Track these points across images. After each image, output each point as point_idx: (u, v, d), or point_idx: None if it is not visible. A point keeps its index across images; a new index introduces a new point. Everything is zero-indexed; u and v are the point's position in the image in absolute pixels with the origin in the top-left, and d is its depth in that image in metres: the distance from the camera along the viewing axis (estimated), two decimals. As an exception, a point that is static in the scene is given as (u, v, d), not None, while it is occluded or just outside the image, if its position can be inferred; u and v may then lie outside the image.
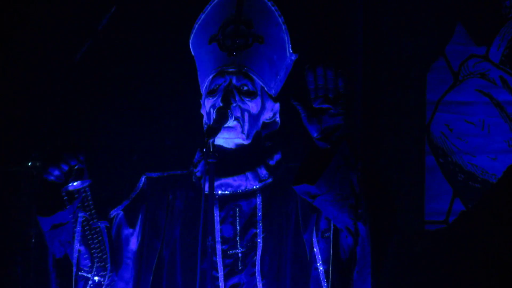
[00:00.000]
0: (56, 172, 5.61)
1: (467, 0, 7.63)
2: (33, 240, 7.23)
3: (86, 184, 5.67)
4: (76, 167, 5.65)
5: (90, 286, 5.91)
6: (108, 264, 5.88)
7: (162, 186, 6.02)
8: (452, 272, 7.35)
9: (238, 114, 5.82)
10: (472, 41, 7.54)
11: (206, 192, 5.49)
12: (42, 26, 7.35)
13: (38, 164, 5.79)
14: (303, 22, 6.25)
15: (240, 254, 5.87)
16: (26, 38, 7.37)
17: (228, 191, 5.87)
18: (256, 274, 5.82)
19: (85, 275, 5.90)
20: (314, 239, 5.80)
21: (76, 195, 5.72)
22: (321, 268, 5.82)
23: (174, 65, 6.20)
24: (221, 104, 5.77)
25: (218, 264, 5.86)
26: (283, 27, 6.00)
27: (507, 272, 7.25)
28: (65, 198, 5.66)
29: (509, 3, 7.53)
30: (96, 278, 5.86)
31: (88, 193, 5.71)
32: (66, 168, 5.64)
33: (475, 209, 7.53)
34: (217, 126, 5.65)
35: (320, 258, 5.80)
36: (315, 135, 5.48)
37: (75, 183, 5.65)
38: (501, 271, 7.27)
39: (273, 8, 6.00)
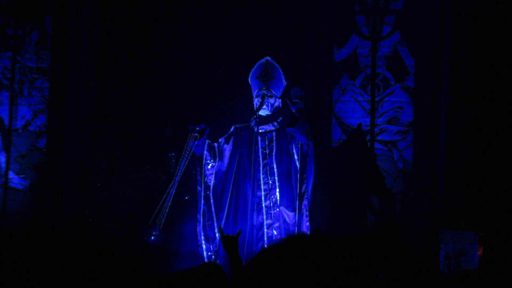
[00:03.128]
0: (190, 127, 5.57)
1: (346, 65, 7.19)
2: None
3: (207, 131, 5.58)
4: (204, 127, 5.57)
5: (211, 168, 5.73)
6: (217, 157, 5.70)
7: (240, 129, 5.81)
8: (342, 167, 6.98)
9: (267, 104, 5.65)
10: (349, 79, 7.22)
11: (256, 130, 5.68)
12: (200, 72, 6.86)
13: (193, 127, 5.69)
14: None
15: (267, 151, 5.69)
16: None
17: (263, 130, 5.70)
18: (273, 159, 5.68)
19: (208, 161, 5.72)
20: (294, 147, 5.64)
21: (204, 135, 5.60)
22: (296, 157, 5.61)
23: (243, 87, 6.07)
24: (260, 100, 5.65)
25: (260, 156, 5.68)
26: (281, 72, 5.73)
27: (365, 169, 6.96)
28: (199, 135, 5.58)
29: (362, 65, 7.25)
30: (213, 163, 5.73)
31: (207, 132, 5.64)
32: (194, 127, 5.55)
33: (348, 138, 7.13)
34: (259, 108, 5.64)
35: (296, 154, 5.61)
36: (294, 110, 5.48)
37: (195, 133, 5.53)
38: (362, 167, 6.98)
39: (278, 66, 5.72)
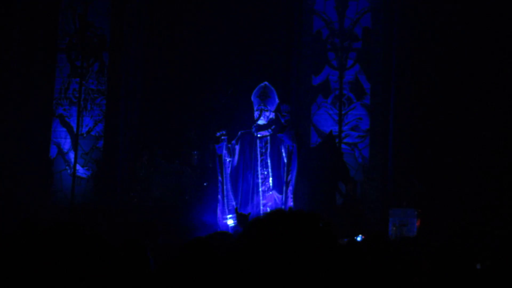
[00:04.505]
0: (218, 134, 5.65)
1: (321, 88, 7.02)
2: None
3: (226, 136, 5.68)
4: (224, 133, 5.68)
5: (228, 162, 5.70)
6: (231, 155, 5.68)
7: (244, 134, 5.84)
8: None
9: (264, 116, 5.68)
10: (323, 98, 7.10)
11: (255, 135, 5.71)
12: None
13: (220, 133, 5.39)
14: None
15: (263, 150, 5.72)
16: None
17: (260, 135, 5.75)
18: (268, 156, 5.71)
19: (226, 158, 5.73)
20: (282, 147, 5.70)
21: (224, 139, 5.68)
22: (284, 155, 5.67)
23: (248, 103, 6.07)
24: (259, 113, 5.69)
25: (258, 153, 5.69)
26: (275, 93, 5.79)
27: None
28: (223, 138, 5.70)
29: (332, 88, 7.16)
30: (229, 159, 5.72)
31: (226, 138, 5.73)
32: (222, 133, 5.64)
33: (322, 141, 6.91)
34: (258, 119, 5.69)
35: (284, 152, 5.67)
36: (283, 121, 5.60)
37: (223, 136, 5.64)
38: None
39: (273, 88, 5.78)
